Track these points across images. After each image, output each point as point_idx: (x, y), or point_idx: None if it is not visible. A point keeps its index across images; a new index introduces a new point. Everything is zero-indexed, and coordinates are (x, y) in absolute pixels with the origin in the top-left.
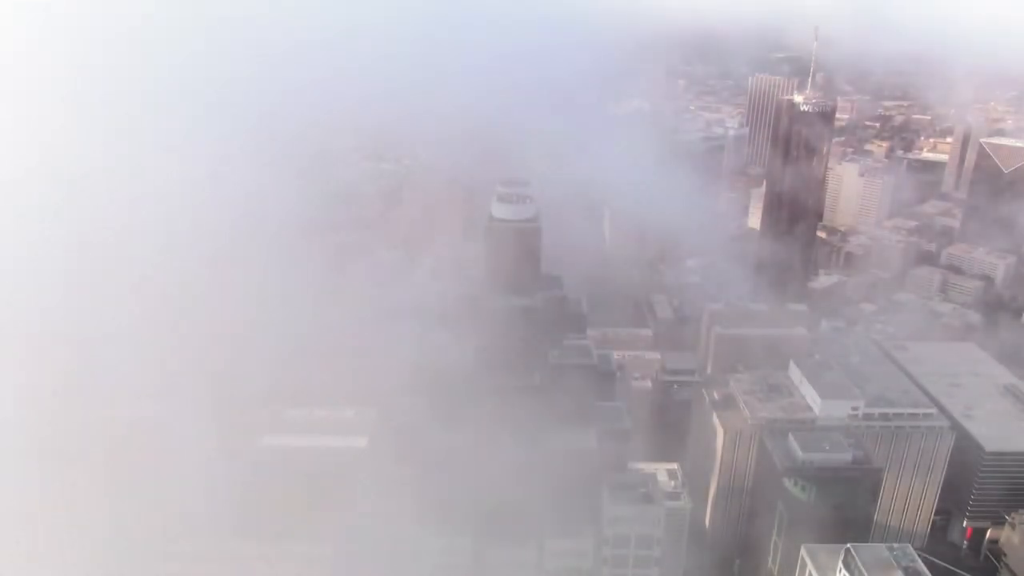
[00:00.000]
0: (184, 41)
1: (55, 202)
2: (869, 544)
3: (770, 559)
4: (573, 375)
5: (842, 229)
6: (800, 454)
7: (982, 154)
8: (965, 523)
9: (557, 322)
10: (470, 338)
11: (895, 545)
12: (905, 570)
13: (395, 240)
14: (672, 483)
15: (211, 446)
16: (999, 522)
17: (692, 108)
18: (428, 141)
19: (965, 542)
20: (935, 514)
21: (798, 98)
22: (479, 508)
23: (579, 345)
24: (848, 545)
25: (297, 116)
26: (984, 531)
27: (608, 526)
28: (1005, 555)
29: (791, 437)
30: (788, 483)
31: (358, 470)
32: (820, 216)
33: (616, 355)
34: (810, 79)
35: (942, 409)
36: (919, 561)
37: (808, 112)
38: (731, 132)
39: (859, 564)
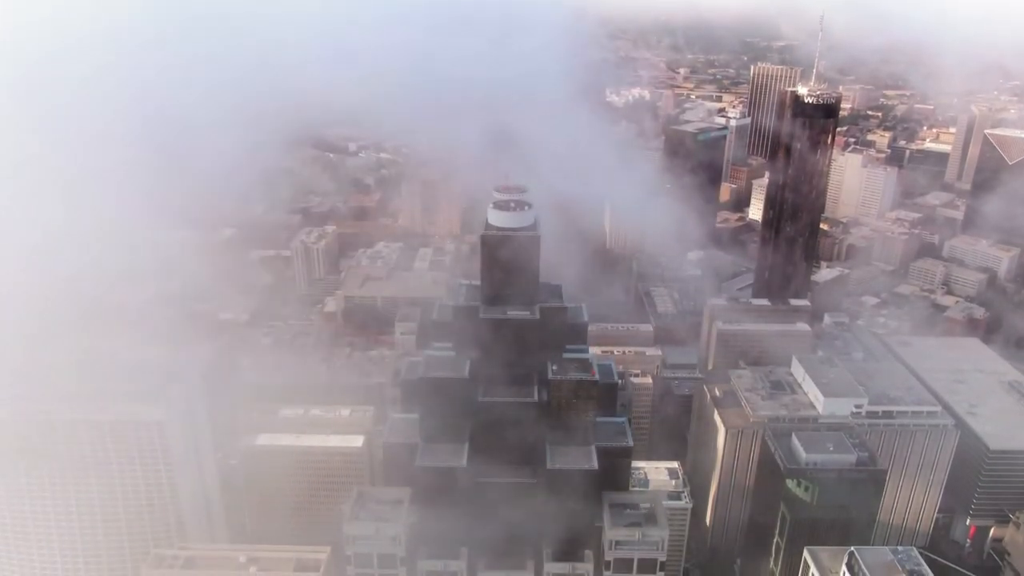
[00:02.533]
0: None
1: None
2: (873, 547)
3: (771, 560)
4: (573, 390)
5: (844, 221)
6: (804, 455)
7: (986, 145)
8: (968, 521)
9: (556, 334)
10: (465, 352)
11: (899, 548)
12: (910, 574)
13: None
14: (673, 482)
15: (203, 447)
16: (1003, 520)
17: (694, 97)
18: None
19: (968, 540)
20: (938, 512)
21: (802, 90)
22: (474, 530)
23: (579, 359)
24: (852, 548)
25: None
26: (988, 529)
27: (609, 551)
28: (1009, 554)
29: (794, 437)
30: (791, 484)
31: (353, 473)
32: (823, 209)
33: (616, 351)
34: (815, 70)
35: (946, 406)
36: (924, 565)
37: (813, 104)
38: (733, 122)
39: (863, 568)
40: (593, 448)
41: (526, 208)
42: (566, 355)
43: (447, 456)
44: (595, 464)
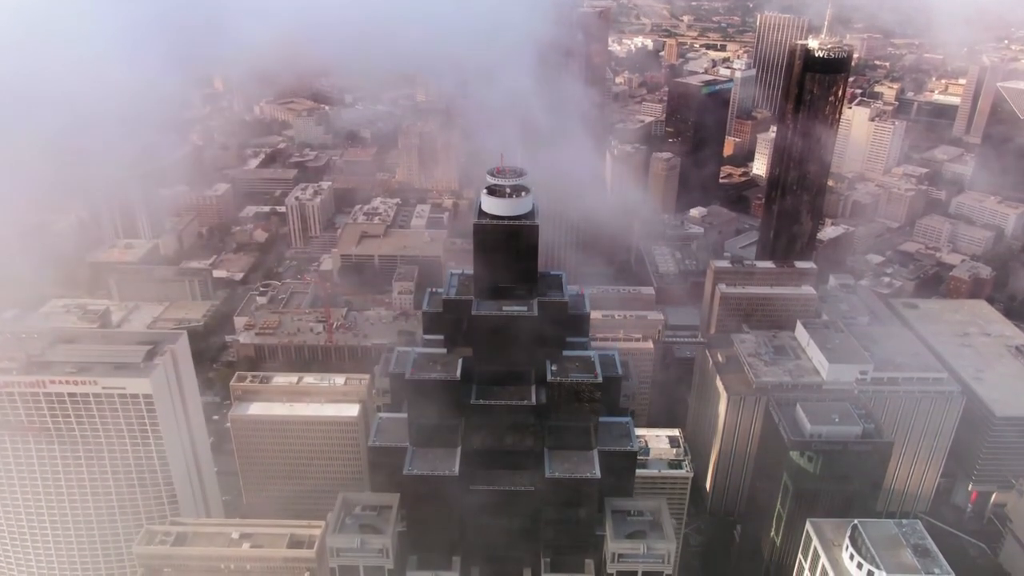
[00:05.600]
0: None
1: None
2: (877, 520)
3: (772, 529)
4: (574, 393)
5: (849, 176)
6: (808, 426)
7: (998, 98)
8: (971, 487)
9: (556, 330)
10: (457, 349)
11: (904, 521)
12: (914, 548)
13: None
14: (674, 451)
15: (194, 419)
16: (1005, 486)
17: (697, 46)
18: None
19: (969, 506)
20: (940, 477)
21: (813, 43)
22: (468, 540)
23: (580, 357)
24: (855, 521)
25: None
26: (989, 495)
27: (611, 563)
28: (1011, 521)
29: (799, 408)
30: (794, 455)
31: (348, 443)
32: (830, 167)
33: (617, 315)
34: (826, 22)
35: (952, 372)
36: (928, 539)
37: (823, 58)
38: (738, 74)
39: (867, 541)
40: (595, 453)
41: (524, 194)
42: (567, 352)
43: (437, 462)
44: (597, 472)
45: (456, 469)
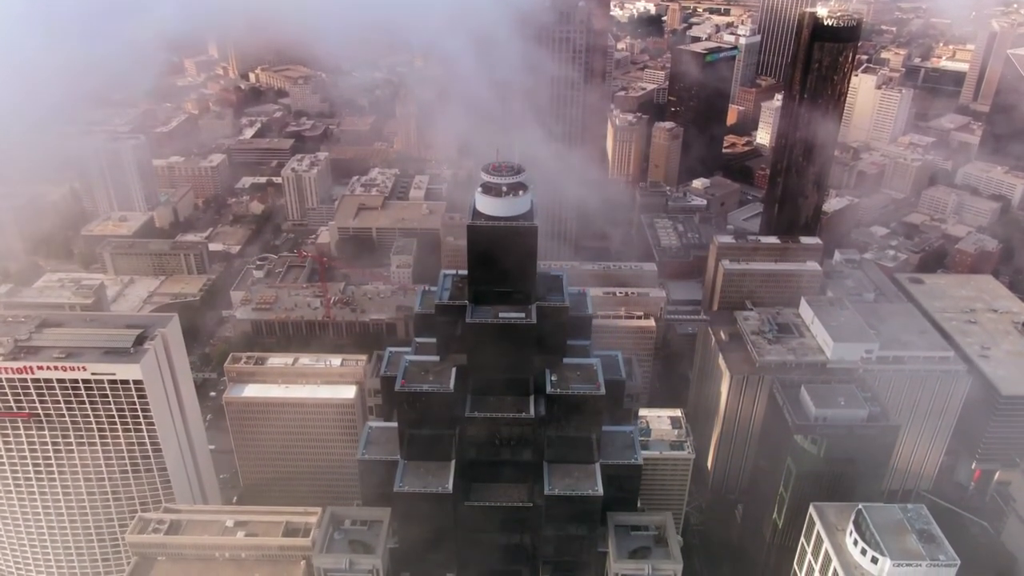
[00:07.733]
0: None
1: None
2: (881, 505)
3: (775, 511)
4: (575, 405)
5: (854, 146)
6: (813, 410)
7: (1008, 65)
8: (974, 465)
9: (556, 336)
10: (451, 358)
11: (909, 506)
12: (919, 533)
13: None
14: (676, 432)
15: (188, 404)
16: (1009, 465)
17: (700, 10)
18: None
19: (972, 483)
20: (943, 455)
21: (822, 11)
22: (463, 558)
23: (582, 365)
24: (860, 505)
25: None
26: (993, 474)
27: None
28: (1014, 500)
29: (804, 390)
30: (799, 438)
31: (345, 425)
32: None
33: (618, 292)
34: None
35: (957, 349)
36: (933, 524)
37: (833, 27)
38: (742, 40)
39: (871, 526)
40: (597, 467)
41: (521, 193)
42: (567, 360)
43: (430, 478)
44: (599, 488)
45: (450, 485)
